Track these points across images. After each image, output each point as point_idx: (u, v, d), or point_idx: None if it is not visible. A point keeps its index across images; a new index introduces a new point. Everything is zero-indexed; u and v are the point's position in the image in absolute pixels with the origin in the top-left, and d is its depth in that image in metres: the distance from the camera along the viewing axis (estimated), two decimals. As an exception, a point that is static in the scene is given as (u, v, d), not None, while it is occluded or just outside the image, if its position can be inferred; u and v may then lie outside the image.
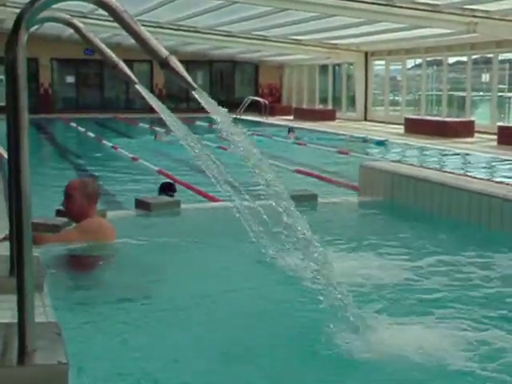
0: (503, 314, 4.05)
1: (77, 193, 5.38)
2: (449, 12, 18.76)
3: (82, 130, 23.37)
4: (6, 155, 6.96)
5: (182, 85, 2.82)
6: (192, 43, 30.13)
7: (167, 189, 8.37)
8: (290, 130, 21.94)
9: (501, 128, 19.36)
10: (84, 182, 5.61)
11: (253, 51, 32.04)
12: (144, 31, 2.72)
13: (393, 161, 13.56)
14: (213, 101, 3.16)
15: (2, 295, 3.27)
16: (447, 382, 3.20)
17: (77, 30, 3.59)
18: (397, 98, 29.38)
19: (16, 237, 2.52)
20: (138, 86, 4.28)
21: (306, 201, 6.67)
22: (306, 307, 3.98)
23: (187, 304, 4.19)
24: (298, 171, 13.17)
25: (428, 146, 18.36)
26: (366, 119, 29.20)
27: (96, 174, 12.92)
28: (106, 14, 2.70)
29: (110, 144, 18.21)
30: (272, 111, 31.69)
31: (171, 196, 8.22)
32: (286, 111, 32.71)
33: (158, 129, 21.38)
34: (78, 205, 5.37)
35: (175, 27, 26.57)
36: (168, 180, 9.03)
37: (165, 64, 2.77)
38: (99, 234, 5.33)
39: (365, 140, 19.50)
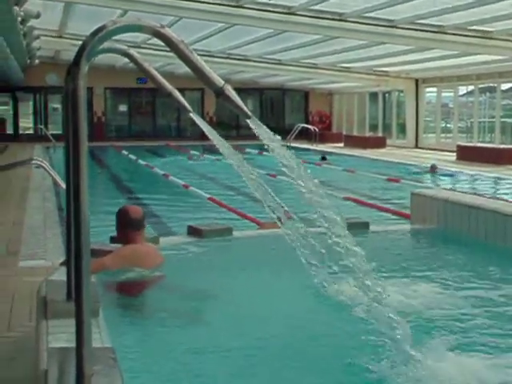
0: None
1: (122, 220, 5.46)
2: (500, 38, 18.58)
3: (133, 157, 23.75)
4: (62, 184, 7.07)
5: (237, 113, 2.85)
6: (242, 71, 30.42)
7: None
8: (323, 157, 21.93)
9: (556, 155, 19.01)
10: (126, 210, 5.63)
11: (302, 79, 32.17)
12: (200, 60, 2.77)
13: (444, 188, 13.41)
14: (267, 128, 3.19)
15: (59, 319, 3.33)
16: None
17: (133, 59, 3.68)
18: (448, 125, 29.10)
19: (75, 262, 2.56)
20: (191, 115, 4.34)
21: (358, 229, 6.63)
22: (357, 335, 3.94)
23: (233, 329, 4.20)
24: (347, 198, 13.13)
25: (482, 173, 18.11)
26: (417, 146, 28.96)
27: (147, 201, 13.09)
28: (160, 43, 2.75)
29: (162, 172, 18.45)
30: (322, 138, 31.70)
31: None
32: (336, 138, 32.68)
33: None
34: (123, 232, 5.44)
35: (226, 56, 26.89)
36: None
37: (221, 93, 2.80)
38: (138, 259, 5.36)
39: (433, 167, 18.55)
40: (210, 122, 31.91)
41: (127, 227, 5.47)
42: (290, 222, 4.79)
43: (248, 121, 3.03)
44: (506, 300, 4.78)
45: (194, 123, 4.95)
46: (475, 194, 13.14)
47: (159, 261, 5.50)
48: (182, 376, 3.50)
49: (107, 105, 35.88)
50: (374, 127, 33.12)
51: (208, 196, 13.42)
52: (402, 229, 7.91)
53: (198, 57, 2.82)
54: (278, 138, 3.33)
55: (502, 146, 22.72)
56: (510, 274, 5.44)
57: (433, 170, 18.25)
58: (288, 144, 24.17)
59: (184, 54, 2.78)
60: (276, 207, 4.63)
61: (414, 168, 19.30)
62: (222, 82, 2.80)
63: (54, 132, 30.20)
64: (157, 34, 2.74)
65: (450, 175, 17.79)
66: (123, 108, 36.44)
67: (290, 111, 38.28)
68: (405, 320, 3.64)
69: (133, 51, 3.70)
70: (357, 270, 3.68)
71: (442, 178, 17.37)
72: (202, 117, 32.70)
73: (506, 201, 8.63)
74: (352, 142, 30.46)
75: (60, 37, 24.57)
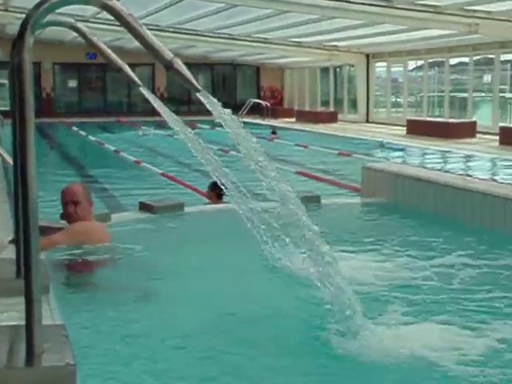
0: (506, 313, 4.05)
1: (82, 198, 5.41)
2: (450, 13, 18.77)
3: (83, 133, 23.46)
4: (10, 161, 6.98)
5: (187, 87, 2.83)
6: (193, 46, 30.16)
7: (218, 187, 8.39)
8: (273, 132, 22.10)
9: (502, 128, 19.37)
10: (84, 187, 5.64)
11: (254, 54, 32.06)
12: (149, 34, 2.74)
13: (395, 162, 13.58)
14: (217, 102, 3.18)
15: (8, 298, 3.29)
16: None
17: (81, 33, 3.61)
18: (398, 99, 29.39)
19: (24, 240, 2.53)
20: (141, 89, 4.30)
21: (309, 202, 6.67)
22: (310, 308, 3.99)
23: (188, 306, 4.20)
24: (300, 173, 13.20)
25: (431, 147, 18.37)
26: (367, 121, 29.20)
27: (98, 177, 12.98)
28: (109, 17, 2.71)
29: (113, 148, 18.27)
30: (274, 113, 31.72)
31: (223, 194, 8.25)
32: (288, 113, 32.73)
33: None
34: (84, 210, 5.40)
35: (176, 30, 26.61)
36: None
37: (170, 66, 2.78)
38: (90, 236, 5.35)
39: (382, 145, 18.81)
40: (161, 98, 31.58)
41: (87, 204, 5.46)
42: (241, 196, 4.81)
43: (198, 95, 3.01)
44: (454, 271, 4.88)
45: (145, 99, 4.91)
46: (425, 167, 13.35)
47: (108, 238, 5.49)
48: (134, 353, 3.49)
49: (56, 80, 35.23)
50: (325, 102, 33.26)
51: (160, 171, 13.36)
52: (352, 202, 7.99)
53: (147, 30, 2.79)
54: (228, 111, 3.32)
55: (451, 120, 23.06)
56: (458, 245, 5.55)
57: (382, 146, 18.47)
58: (240, 119, 24.06)
59: (133, 27, 2.75)
60: (228, 182, 4.64)
61: (373, 144, 19.47)
62: (171, 56, 2.78)
63: (2, 108, 29.58)
64: (105, 7, 2.70)
65: (401, 149, 17.99)
66: (73, 84, 35.84)
67: (241, 86, 38.16)
68: (355, 291, 3.68)
69: (80, 25, 3.63)
70: (308, 242, 3.71)
71: (392, 152, 17.55)
72: (153, 92, 32.35)
73: (454, 174, 8.78)
74: (304, 117, 30.55)
75: (5, 10, 23.97)
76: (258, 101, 32.14)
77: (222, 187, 8.27)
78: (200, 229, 6.39)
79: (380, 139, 19.51)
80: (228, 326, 3.87)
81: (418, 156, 17.42)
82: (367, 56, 29.34)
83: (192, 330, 3.80)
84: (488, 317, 3.96)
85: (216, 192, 8.42)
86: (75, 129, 25.84)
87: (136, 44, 2.85)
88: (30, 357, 2.49)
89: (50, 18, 2.83)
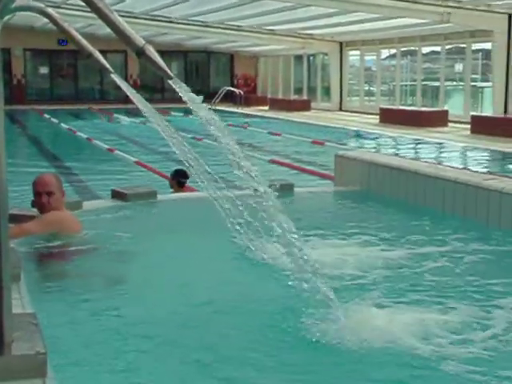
0: (483, 297, 4.11)
1: (55, 188, 5.38)
2: (423, 2, 18.86)
3: (55, 121, 23.25)
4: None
5: (159, 73, 2.82)
6: (166, 33, 29.98)
7: (181, 175, 8.39)
8: (245, 122, 22.19)
9: (474, 117, 19.54)
10: (57, 177, 5.61)
11: (227, 41, 31.97)
12: (120, 20, 2.71)
13: (367, 150, 13.65)
14: (189, 89, 3.16)
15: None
16: (422, 367, 3.23)
17: (51, 19, 3.57)
18: (372, 88, 29.51)
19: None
20: (113, 76, 4.26)
21: (282, 190, 6.68)
22: (283, 295, 4.00)
23: (161, 294, 4.20)
24: (273, 161, 13.22)
25: (403, 135, 18.48)
26: (341, 109, 29.29)
27: (70, 165, 12.88)
28: (80, 3, 2.68)
29: (85, 136, 18.14)
30: (247, 101, 31.69)
31: (184, 183, 8.26)
32: (261, 101, 32.72)
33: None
34: (57, 200, 5.38)
35: (149, 17, 26.43)
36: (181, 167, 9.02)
37: (141, 53, 2.76)
38: (63, 225, 5.34)
39: (357, 134, 18.76)
40: (134, 85, 31.40)
41: (60, 194, 5.45)
42: (214, 184, 4.80)
43: (170, 82, 2.99)
44: (426, 258, 4.92)
45: (117, 86, 4.87)
46: (397, 156, 13.44)
47: (79, 228, 5.46)
48: (106, 341, 3.48)
49: (27, 67, 34.83)
50: (299, 90, 33.28)
51: (134, 159, 13.29)
52: (326, 190, 8.02)
53: (119, 17, 2.76)
54: (200, 97, 3.31)
55: (423, 109, 23.22)
56: (430, 233, 5.60)
57: (358, 135, 18.48)
58: (213, 107, 24.06)
59: (104, 13, 2.72)
60: (201, 170, 4.63)
61: (346, 132, 19.49)
62: (143, 42, 2.75)
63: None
64: (75, -8, 2.67)
65: (375, 138, 18.04)
66: (44, 70, 35.47)
67: (215, 74, 38.04)
68: (329, 278, 3.70)
69: (51, 10, 3.59)
70: (281, 231, 3.72)
71: (366, 141, 17.60)
72: (126, 80, 32.14)
73: (426, 162, 8.85)
74: (277, 105, 30.55)
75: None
76: (231, 89, 32.08)
77: (184, 175, 8.34)
78: (173, 217, 6.37)
79: (355, 128, 19.55)
80: (200, 315, 3.87)
81: (390, 144, 17.52)
82: (340, 44, 29.40)
83: (164, 318, 3.79)
84: (458, 300, 4.02)
85: (176, 180, 8.38)
86: (47, 116, 25.59)
87: (107, 30, 2.82)
88: (0, 346, 2.47)
89: (19, 2, 2.80)
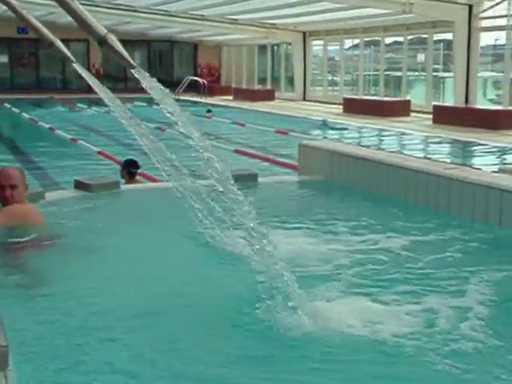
0: (441, 285, 4.16)
1: (19, 181, 5.35)
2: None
3: (16, 111, 22.93)
4: None
5: (121, 63, 2.80)
6: (130, 23, 29.71)
7: (131, 165, 8.33)
8: (209, 110, 22.18)
9: (435, 107, 19.74)
10: (21, 171, 5.57)
11: (191, 31, 31.80)
12: (81, 8, 2.69)
13: (331, 140, 13.72)
14: (153, 78, 3.14)
15: None
16: (385, 353, 3.27)
17: (11, 7, 3.52)
18: (335, 78, 29.62)
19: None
20: (75, 65, 4.21)
21: (246, 180, 6.69)
22: (246, 286, 3.99)
23: (123, 285, 4.17)
24: (238, 151, 13.22)
25: (366, 125, 18.60)
26: (304, 99, 29.36)
27: (32, 155, 12.73)
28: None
29: (47, 125, 17.92)
30: (211, 91, 31.58)
31: (134, 173, 8.20)
32: (225, 91, 32.64)
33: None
34: (21, 193, 5.35)
35: (112, 6, 26.16)
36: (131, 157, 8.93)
37: (103, 42, 2.73)
38: (26, 217, 5.31)
39: (324, 123, 18.75)
40: (97, 75, 31.08)
41: (24, 187, 5.43)
42: (178, 174, 4.79)
43: (133, 71, 2.97)
44: (388, 247, 4.97)
45: (79, 75, 4.82)
46: (360, 145, 13.54)
47: (42, 220, 5.42)
48: (68, 333, 3.45)
49: (-14, 56, 34.27)
50: (263, 80, 33.28)
51: (97, 150, 13.18)
52: (289, 180, 8.04)
53: (80, 5, 2.73)
54: (160, 85, 3.28)
55: (386, 99, 23.39)
56: (392, 223, 5.65)
57: (325, 125, 18.49)
58: (177, 97, 23.94)
59: (64, 1, 2.69)
60: (165, 160, 4.61)
61: (310, 122, 19.50)
62: (105, 31, 2.73)
63: None
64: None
65: (344, 129, 18.02)
66: (3, 59, 34.90)
67: (178, 64, 37.83)
68: (291, 268, 3.72)
69: (10, -2, 3.53)
70: (244, 220, 3.72)
71: (333, 131, 17.61)
72: (88, 69, 31.81)
73: (389, 151, 8.92)
74: (241, 94, 30.52)
75: None
76: (195, 78, 31.94)
77: (135, 166, 8.30)
78: (137, 207, 6.33)
79: (322, 118, 19.55)
80: (164, 306, 3.86)
81: (354, 134, 17.61)
82: (304, 34, 29.44)
83: (127, 309, 3.78)
84: (419, 289, 4.07)
85: (127, 170, 8.31)
86: (7, 106, 25.22)
87: (69, 19, 2.79)
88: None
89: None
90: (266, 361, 3.25)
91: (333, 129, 17.88)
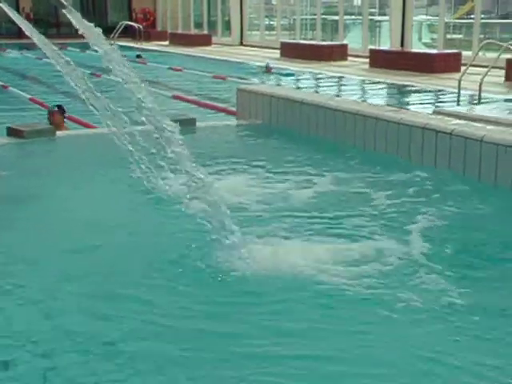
0: (380, 227, 4.24)
1: None
2: None
3: None
4: None
5: (53, 3, 2.71)
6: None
7: (58, 111, 8.19)
8: (138, 55, 21.90)
9: (372, 51, 19.81)
10: None
11: (124, -27, 30.98)
12: None
13: (269, 84, 13.66)
14: (84, 20, 3.06)
15: None
16: (325, 294, 3.33)
17: None
18: (272, 22, 29.36)
19: None
20: (2, 5, 4.06)
21: (184, 125, 6.62)
22: (187, 230, 4.00)
23: (57, 234, 4.12)
24: (176, 97, 13.07)
25: (304, 69, 18.56)
26: (242, 44, 29.08)
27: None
28: None
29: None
30: (147, 36, 30.96)
31: (53, 112, 8.06)
32: (161, 36, 32.04)
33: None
34: None
35: None
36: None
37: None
38: None
39: (267, 67, 18.11)
40: (28, 19, 30.05)
41: None
42: (115, 120, 4.71)
43: (65, 11, 2.88)
44: (329, 189, 5.02)
45: (10, 19, 4.64)
46: (298, 89, 13.53)
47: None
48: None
49: None
50: (199, 25, 32.76)
51: (29, 96, 12.84)
52: (227, 124, 8.01)
53: None
54: (92, 26, 3.20)
55: (323, 43, 23.33)
56: (330, 165, 5.69)
57: (268, 70, 18.22)
58: (112, 42, 23.33)
59: None
60: (100, 106, 4.52)
61: (248, 67, 19.25)
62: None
63: None
64: None
65: (291, 74, 17.73)
66: None
67: (112, 9, 36.87)
68: (231, 211, 3.73)
69: None
70: (182, 165, 3.70)
71: (277, 76, 17.36)
72: (18, 13, 30.71)
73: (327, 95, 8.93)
74: (177, 39, 30.02)
75: None
76: (130, 23, 31.22)
77: (61, 111, 8.19)
78: (72, 154, 6.23)
79: (265, 62, 19.05)
80: (105, 253, 3.84)
81: (291, 78, 17.55)
82: (240, -23, 29.00)
83: (66, 257, 3.74)
84: (353, 232, 4.14)
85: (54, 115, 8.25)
86: None
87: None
88: None
89: None
90: (205, 300, 3.26)
91: (279, 74, 17.59)
